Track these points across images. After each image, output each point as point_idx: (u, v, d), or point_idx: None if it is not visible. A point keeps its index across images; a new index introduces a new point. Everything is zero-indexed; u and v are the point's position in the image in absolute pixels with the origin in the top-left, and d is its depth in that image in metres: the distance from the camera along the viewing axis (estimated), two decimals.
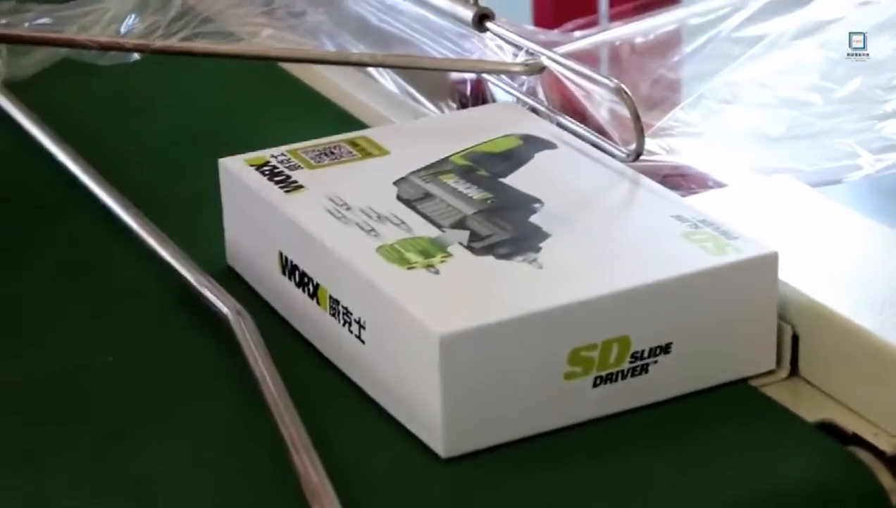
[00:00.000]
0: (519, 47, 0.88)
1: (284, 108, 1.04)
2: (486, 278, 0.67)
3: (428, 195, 0.75)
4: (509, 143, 0.82)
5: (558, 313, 0.65)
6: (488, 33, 0.90)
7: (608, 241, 0.72)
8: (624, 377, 0.66)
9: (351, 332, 0.69)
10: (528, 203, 0.74)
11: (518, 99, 0.90)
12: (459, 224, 0.72)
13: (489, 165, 0.79)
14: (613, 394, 0.67)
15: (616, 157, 0.81)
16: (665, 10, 1.14)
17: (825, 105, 0.95)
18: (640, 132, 0.80)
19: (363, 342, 0.68)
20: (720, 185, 0.86)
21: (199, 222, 0.86)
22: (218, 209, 0.82)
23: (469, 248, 0.70)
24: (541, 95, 0.89)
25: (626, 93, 0.80)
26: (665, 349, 0.67)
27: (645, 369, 0.67)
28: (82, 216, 0.88)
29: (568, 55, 0.88)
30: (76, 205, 0.89)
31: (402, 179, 0.77)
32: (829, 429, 0.66)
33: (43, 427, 0.68)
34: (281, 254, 0.75)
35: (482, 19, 0.90)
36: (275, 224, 0.76)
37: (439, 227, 0.72)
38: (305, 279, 0.73)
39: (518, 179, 0.77)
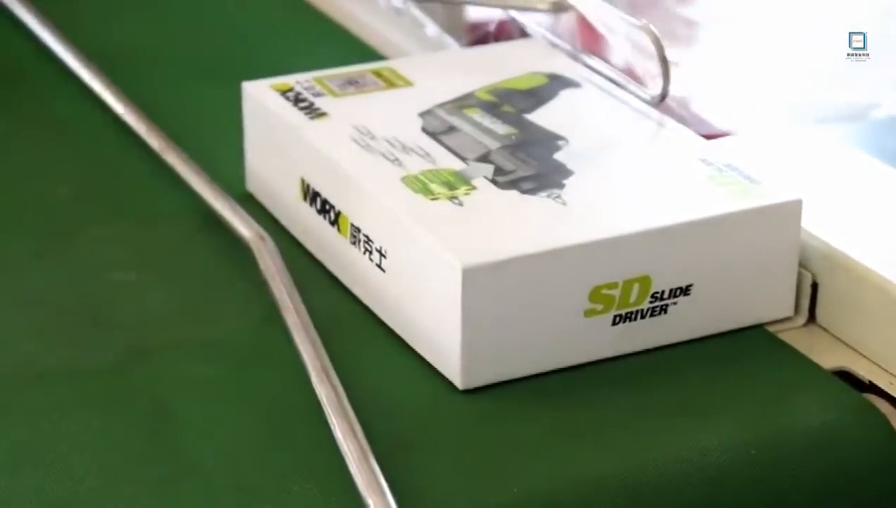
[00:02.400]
0: None
1: (305, 37, 1.03)
2: (510, 213, 0.67)
3: (452, 129, 0.75)
4: (535, 80, 0.81)
5: (580, 250, 0.64)
6: None
7: (633, 181, 0.71)
8: (643, 317, 0.66)
9: (371, 261, 0.69)
10: (552, 140, 0.74)
11: (543, 37, 0.89)
12: (484, 158, 0.71)
13: (514, 101, 0.78)
14: (632, 333, 0.66)
15: (641, 98, 0.80)
16: None
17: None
18: (666, 75, 0.80)
19: (383, 270, 0.68)
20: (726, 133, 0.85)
21: (218, 146, 0.85)
22: (238, 134, 0.81)
23: (493, 182, 0.69)
24: (565, 33, 0.88)
25: (654, 34, 0.79)
26: (685, 290, 0.67)
27: (664, 309, 0.66)
28: (104, 135, 0.88)
29: None
30: (98, 123, 0.88)
31: (427, 111, 0.76)
32: (846, 377, 0.66)
33: (61, 343, 0.68)
34: (302, 180, 0.74)
35: None
36: (297, 150, 0.75)
37: (464, 160, 0.71)
38: (327, 207, 0.72)
39: (543, 117, 0.77)
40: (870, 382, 0.65)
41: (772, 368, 0.66)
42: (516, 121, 0.76)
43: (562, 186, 0.69)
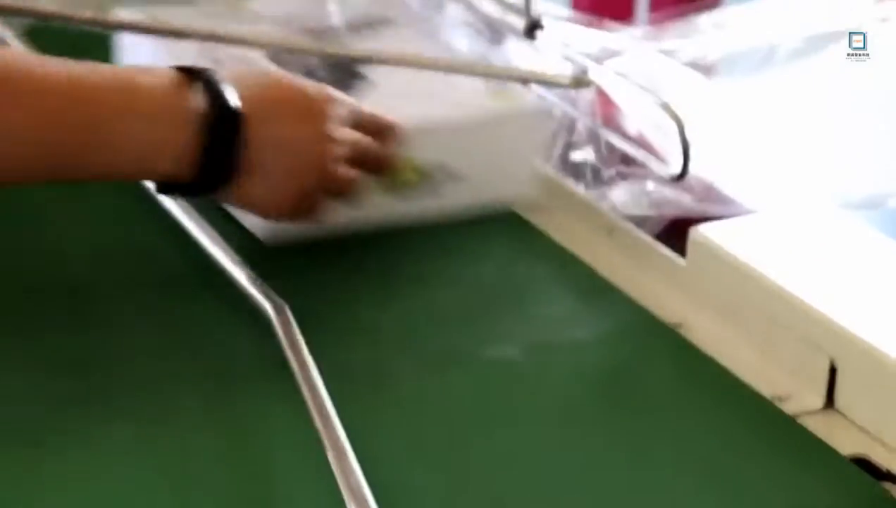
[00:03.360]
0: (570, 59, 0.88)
1: None
2: None
3: None
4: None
5: None
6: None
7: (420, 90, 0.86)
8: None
9: None
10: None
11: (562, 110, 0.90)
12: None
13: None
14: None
15: (661, 175, 0.81)
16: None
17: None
18: (686, 153, 0.80)
19: None
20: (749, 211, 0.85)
21: None
22: None
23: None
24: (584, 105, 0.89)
25: (674, 113, 0.79)
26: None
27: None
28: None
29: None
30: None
31: None
32: (864, 464, 0.65)
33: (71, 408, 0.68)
34: None
35: (532, 29, 0.89)
36: None
37: None
38: None
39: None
40: (888, 471, 0.65)
41: (789, 453, 0.66)
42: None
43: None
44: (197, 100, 0.71)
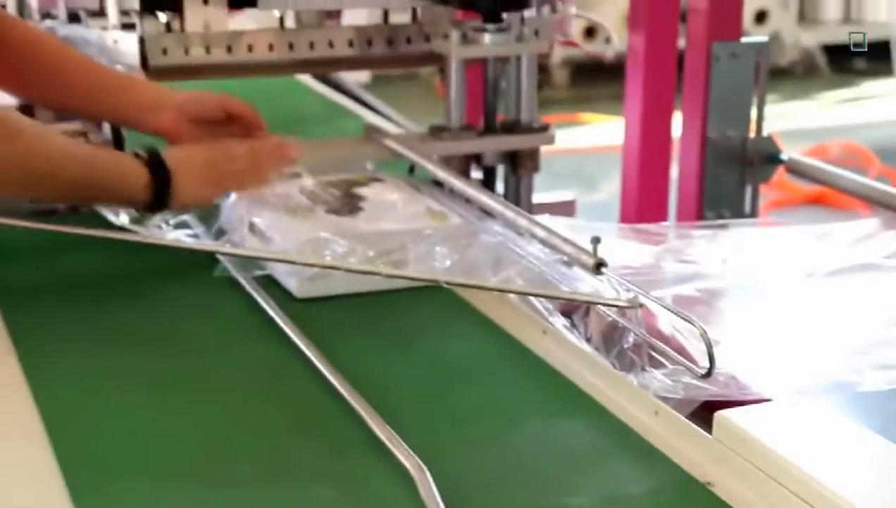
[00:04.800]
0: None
1: None
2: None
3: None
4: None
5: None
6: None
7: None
8: None
9: None
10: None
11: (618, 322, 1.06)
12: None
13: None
14: None
15: (692, 373, 0.96)
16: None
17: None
18: (711, 357, 0.97)
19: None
20: (768, 399, 0.99)
21: None
22: None
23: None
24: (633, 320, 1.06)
25: (702, 329, 0.96)
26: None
27: None
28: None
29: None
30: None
31: None
32: None
33: None
34: None
35: (598, 267, 1.07)
36: None
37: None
38: None
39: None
40: None
41: None
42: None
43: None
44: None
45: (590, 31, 4.38)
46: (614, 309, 1.06)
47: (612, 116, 5.01)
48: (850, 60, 6.25)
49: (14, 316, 1.15)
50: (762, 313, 1.18)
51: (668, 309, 1.02)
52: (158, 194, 1.26)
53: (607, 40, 1.78)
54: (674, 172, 1.74)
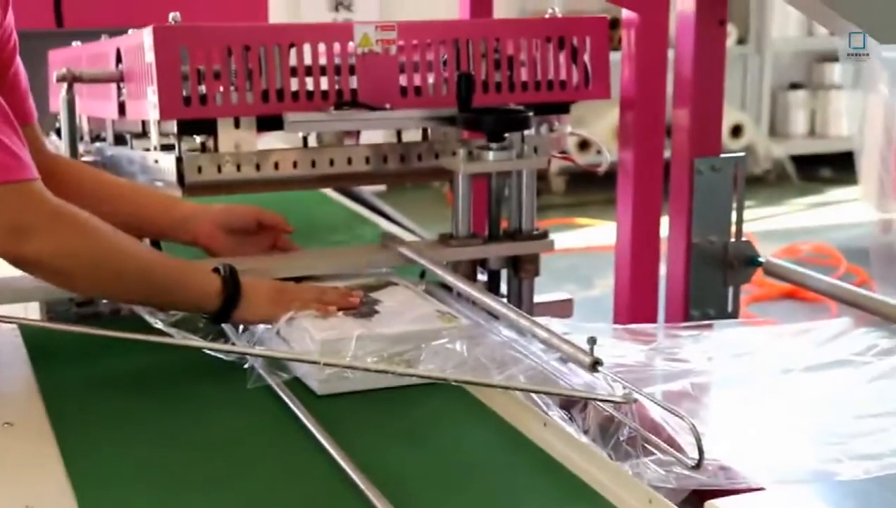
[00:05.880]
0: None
1: None
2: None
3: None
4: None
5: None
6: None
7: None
8: None
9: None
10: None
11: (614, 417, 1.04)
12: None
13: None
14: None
15: (682, 464, 0.94)
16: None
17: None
18: (700, 451, 0.94)
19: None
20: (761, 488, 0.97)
21: None
22: None
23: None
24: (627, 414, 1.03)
25: (694, 428, 0.93)
26: None
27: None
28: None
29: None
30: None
31: None
32: None
33: None
34: None
35: (594, 365, 1.05)
36: None
37: None
38: None
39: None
40: None
41: None
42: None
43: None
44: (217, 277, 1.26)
45: (583, 144, 4.41)
46: (610, 404, 1.04)
47: (604, 219, 5.04)
48: (816, 170, 6.28)
49: (58, 412, 1.13)
50: (746, 406, 1.15)
51: (659, 404, 0.99)
52: (227, 303, 1.23)
53: (598, 152, 1.76)
54: (662, 272, 1.72)
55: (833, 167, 6.26)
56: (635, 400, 1.01)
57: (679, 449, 0.99)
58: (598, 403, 1.05)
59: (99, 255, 1.19)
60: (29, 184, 1.16)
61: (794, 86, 6.40)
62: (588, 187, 5.25)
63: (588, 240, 4.79)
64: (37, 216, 1.14)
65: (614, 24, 1.82)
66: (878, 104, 4.90)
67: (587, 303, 3.71)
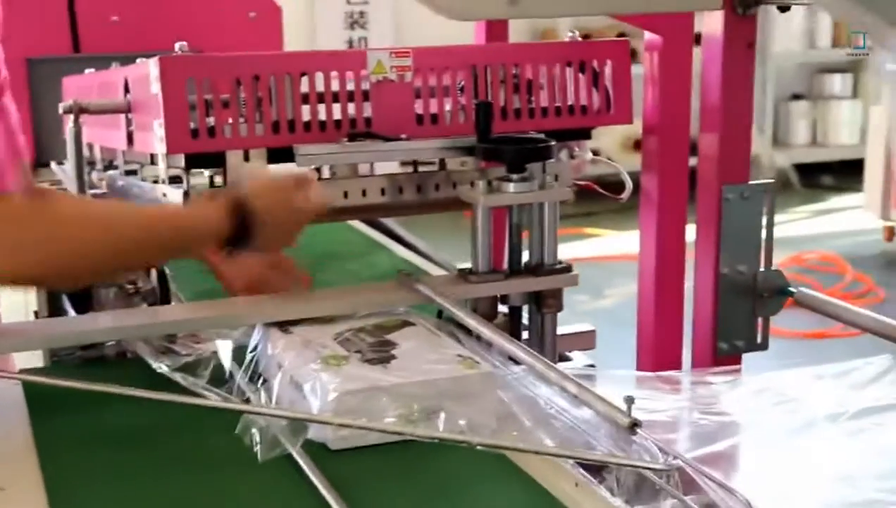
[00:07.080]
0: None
1: None
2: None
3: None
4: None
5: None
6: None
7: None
8: None
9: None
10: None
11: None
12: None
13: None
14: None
15: None
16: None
17: None
18: None
19: None
20: None
21: None
22: None
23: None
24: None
25: (749, 504, 0.80)
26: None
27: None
28: None
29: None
30: None
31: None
32: None
33: None
34: None
35: (633, 427, 0.91)
36: None
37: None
38: None
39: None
40: None
41: None
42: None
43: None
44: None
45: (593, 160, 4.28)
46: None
47: (612, 230, 4.92)
48: (818, 177, 6.14)
49: (54, 474, 1.00)
50: (798, 464, 1.01)
51: (707, 476, 0.85)
52: (240, 223, 1.17)
53: (619, 178, 1.62)
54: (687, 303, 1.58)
55: (834, 175, 6.12)
56: (679, 467, 0.87)
57: None
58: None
59: (88, 243, 1.09)
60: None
61: (796, 96, 6.27)
62: (597, 197, 5.12)
63: (597, 250, 4.67)
64: (8, 230, 1.04)
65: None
66: (881, 115, 4.77)
67: (600, 314, 3.58)
